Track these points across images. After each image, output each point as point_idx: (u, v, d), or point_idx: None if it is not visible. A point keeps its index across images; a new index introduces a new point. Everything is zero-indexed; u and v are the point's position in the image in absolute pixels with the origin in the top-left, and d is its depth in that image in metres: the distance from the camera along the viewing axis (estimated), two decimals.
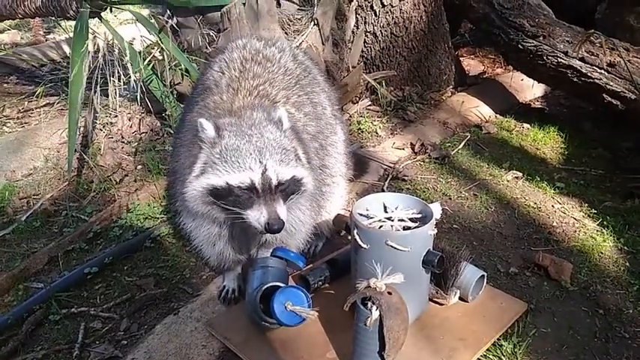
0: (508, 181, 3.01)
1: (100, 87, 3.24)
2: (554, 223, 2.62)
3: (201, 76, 2.23)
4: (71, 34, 3.21)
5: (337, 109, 2.47)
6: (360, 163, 2.94)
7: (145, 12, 5.00)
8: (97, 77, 3.21)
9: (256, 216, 1.70)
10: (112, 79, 3.23)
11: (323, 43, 3.44)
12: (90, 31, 3.26)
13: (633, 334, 1.95)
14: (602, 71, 3.20)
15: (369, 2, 3.79)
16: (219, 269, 2.15)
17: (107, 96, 3.30)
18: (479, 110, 3.83)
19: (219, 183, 1.70)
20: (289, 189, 1.77)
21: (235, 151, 1.68)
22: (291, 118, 1.94)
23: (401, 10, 3.80)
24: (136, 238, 2.51)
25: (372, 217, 1.93)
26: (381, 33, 3.87)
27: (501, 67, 4.65)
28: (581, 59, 3.25)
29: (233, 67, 2.04)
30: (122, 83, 3.25)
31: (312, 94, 2.19)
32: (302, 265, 2.02)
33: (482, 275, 2.02)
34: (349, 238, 1.91)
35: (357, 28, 3.83)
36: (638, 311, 2.06)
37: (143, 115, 3.40)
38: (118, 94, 3.25)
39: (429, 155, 3.27)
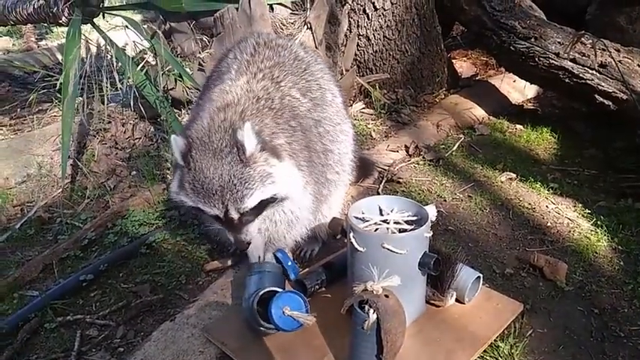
0: (502, 182, 3.02)
1: (94, 93, 3.23)
2: (549, 224, 2.63)
3: (218, 63, 2.30)
4: (64, 41, 3.21)
5: (346, 105, 2.48)
6: (362, 167, 2.93)
7: (138, 17, 4.99)
8: (91, 83, 3.21)
9: (229, 236, 1.89)
10: (105, 85, 3.23)
11: (316, 47, 3.45)
12: (82, 37, 3.26)
13: (629, 333, 1.97)
14: (594, 72, 3.22)
15: (361, 6, 3.80)
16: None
17: (101, 102, 3.30)
18: (472, 112, 3.84)
19: (193, 205, 1.85)
20: (264, 203, 1.83)
21: (201, 187, 1.78)
22: (294, 103, 2.01)
23: (393, 13, 3.82)
24: (131, 245, 2.50)
25: (367, 220, 1.93)
26: (374, 36, 3.88)
27: (494, 69, 4.66)
28: (573, 60, 3.26)
29: (246, 51, 2.13)
30: (115, 89, 3.25)
31: (322, 80, 2.22)
32: (293, 278, 2.04)
33: (478, 277, 2.03)
34: (345, 241, 1.91)
35: (350, 31, 3.84)
36: (633, 310, 2.07)
37: (137, 120, 3.39)
38: (111, 100, 3.25)
39: (424, 157, 3.28)
